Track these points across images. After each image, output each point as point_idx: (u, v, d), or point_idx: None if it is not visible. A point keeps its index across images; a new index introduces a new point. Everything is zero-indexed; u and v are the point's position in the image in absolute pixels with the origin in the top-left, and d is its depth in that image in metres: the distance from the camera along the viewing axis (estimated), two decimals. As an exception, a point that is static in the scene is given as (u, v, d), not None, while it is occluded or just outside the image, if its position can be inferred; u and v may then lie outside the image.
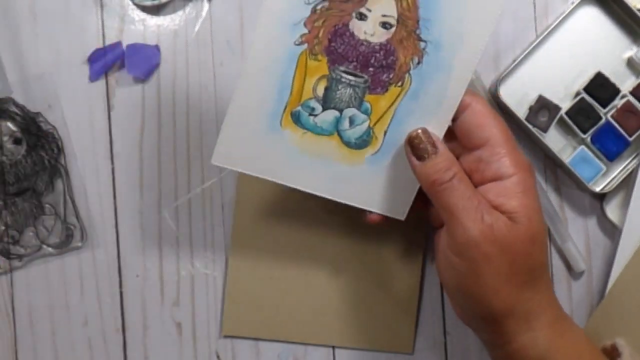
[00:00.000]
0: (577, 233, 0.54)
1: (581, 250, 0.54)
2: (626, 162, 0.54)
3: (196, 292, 0.54)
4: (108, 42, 0.54)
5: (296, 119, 0.47)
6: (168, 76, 0.54)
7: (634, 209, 0.52)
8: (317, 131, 0.47)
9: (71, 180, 0.53)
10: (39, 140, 0.53)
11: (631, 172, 0.53)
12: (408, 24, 0.45)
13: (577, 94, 0.53)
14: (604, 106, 0.53)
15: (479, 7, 0.44)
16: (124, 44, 0.53)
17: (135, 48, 0.53)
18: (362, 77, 0.46)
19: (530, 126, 0.52)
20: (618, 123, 0.53)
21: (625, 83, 0.54)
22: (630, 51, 0.54)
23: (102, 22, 0.54)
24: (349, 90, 0.46)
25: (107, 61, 0.53)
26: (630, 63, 0.54)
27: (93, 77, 0.53)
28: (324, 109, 0.47)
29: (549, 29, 0.53)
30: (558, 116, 0.53)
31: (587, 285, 0.54)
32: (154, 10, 0.54)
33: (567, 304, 0.54)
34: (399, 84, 0.46)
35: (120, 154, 0.54)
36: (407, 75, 0.46)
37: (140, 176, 0.54)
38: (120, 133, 0.54)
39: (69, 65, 0.53)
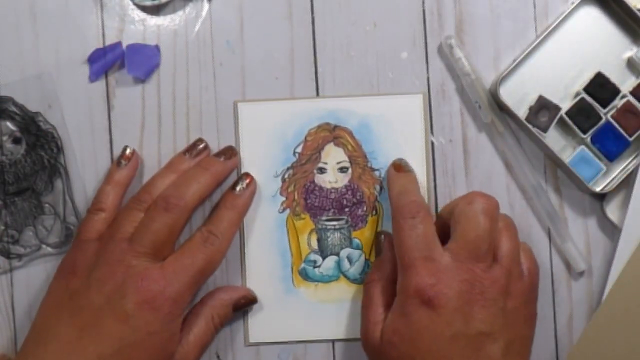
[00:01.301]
0: (577, 233, 0.54)
1: (581, 250, 0.54)
2: (626, 162, 0.54)
3: (196, 292, 0.54)
4: (108, 42, 0.54)
5: (304, 275, 0.53)
6: (168, 76, 0.54)
7: (634, 209, 0.52)
8: (326, 279, 0.53)
9: (71, 180, 0.53)
10: (39, 139, 0.53)
11: (631, 172, 0.53)
12: (359, 162, 0.53)
13: (577, 94, 0.53)
14: (604, 106, 0.53)
15: (405, 129, 0.53)
16: (124, 44, 0.53)
17: (135, 48, 0.53)
18: (342, 218, 0.53)
19: (530, 126, 0.52)
20: (618, 123, 0.52)
21: (625, 83, 0.54)
22: (630, 51, 0.54)
23: (102, 22, 0.54)
24: (337, 234, 0.53)
25: (107, 61, 0.53)
26: (630, 63, 0.54)
27: (93, 77, 0.53)
28: (323, 258, 0.53)
29: (549, 29, 0.53)
30: (558, 116, 0.53)
31: (587, 285, 0.54)
32: (154, 10, 0.54)
33: (567, 304, 0.54)
34: (374, 212, 0.53)
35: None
36: (377, 203, 0.54)
37: (140, 176, 0.53)
38: (120, 133, 0.54)
39: (69, 65, 0.53)
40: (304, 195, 0.53)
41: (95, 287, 0.46)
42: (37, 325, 0.48)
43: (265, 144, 0.53)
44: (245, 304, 0.52)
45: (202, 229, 0.49)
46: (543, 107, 0.53)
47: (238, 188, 0.51)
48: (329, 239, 0.53)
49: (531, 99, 0.53)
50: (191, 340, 0.49)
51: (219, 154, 0.52)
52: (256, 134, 0.53)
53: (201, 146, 0.52)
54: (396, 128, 0.53)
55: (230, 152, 0.52)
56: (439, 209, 0.54)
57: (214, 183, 0.51)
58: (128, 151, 0.51)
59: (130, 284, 0.46)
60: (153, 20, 0.54)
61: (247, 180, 0.51)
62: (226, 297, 0.51)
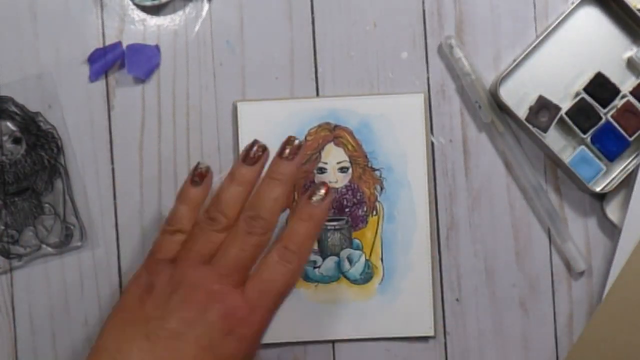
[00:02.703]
0: (577, 233, 0.54)
1: (581, 250, 0.54)
2: (626, 162, 0.54)
3: (196, 292, 0.54)
4: (108, 42, 0.54)
5: (304, 275, 0.53)
6: (168, 76, 0.54)
7: (634, 209, 0.52)
8: (326, 280, 0.53)
9: (71, 180, 0.53)
10: (39, 139, 0.53)
11: (631, 172, 0.53)
12: (360, 162, 0.53)
13: (577, 94, 0.53)
14: (604, 106, 0.53)
15: (406, 129, 0.53)
16: (124, 44, 0.53)
17: (135, 48, 0.53)
18: (342, 219, 0.53)
19: (530, 126, 0.52)
20: (618, 123, 0.52)
21: (625, 83, 0.54)
22: (630, 51, 0.54)
23: (102, 22, 0.54)
24: (337, 235, 0.53)
25: (107, 61, 0.53)
26: (630, 63, 0.54)
27: (93, 77, 0.53)
28: (323, 258, 0.53)
29: (549, 29, 0.53)
30: (558, 116, 0.53)
31: (587, 285, 0.54)
32: (154, 10, 0.54)
33: (567, 304, 0.54)
34: (374, 213, 0.53)
35: (120, 154, 0.54)
36: (377, 203, 0.53)
37: (140, 176, 0.54)
38: (120, 133, 0.54)
39: (69, 65, 0.53)
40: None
41: (175, 312, 0.44)
42: (107, 344, 0.45)
43: (265, 144, 0.53)
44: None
45: (277, 245, 0.46)
46: (543, 107, 0.53)
47: (315, 198, 0.47)
48: (329, 240, 0.53)
49: (531, 99, 0.53)
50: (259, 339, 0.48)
51: (281, 152, 0.48)
52: (256, 134, 0.51)
53: (256, 149, 0.48)
54: (397, 128, 0.53)
55: (294, 148, 0.48)
56: (439, 210, 0.54)
57: (289, 189, 0.48)
58: (202, 168, 0.48)
59: (214, 312, 0.44)
60: (153, 20, 0.54)
61: (324, 190, 0.47)
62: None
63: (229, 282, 0.45)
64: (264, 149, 0.48)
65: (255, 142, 0.48)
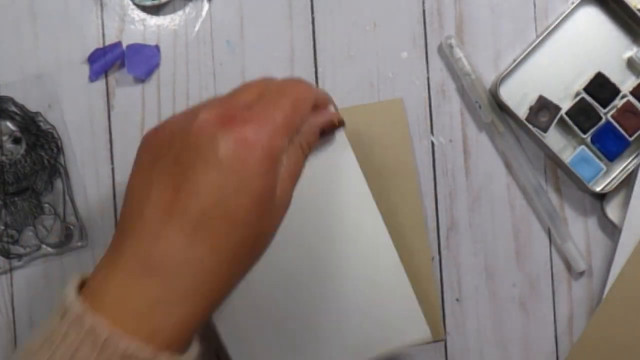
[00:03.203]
0: (577, 233, 0.54)
1: (581, 250, 0.54)
2: (626, 162, 0.54)
3: (196, 292, 0.53)
4: (108, 42, 0.54)
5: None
6: (168, 76, 0.54)
7: (634, 209, 0.52)
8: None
9: (70, 180, 0.53)
10: (39, 139, 0.53)
11: (631, 172, 0.53)
12: None
13: (577, 94, 0.53)
14: (604, 106, 0.53)
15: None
16: (124, 44, 0.53)
17: (135, 48, 0.53)
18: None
19: (530, 126, 0.52)
20: (618, 123, 0.53)
21: (625, 83, 0.54)
22: (630, 51, 0.54)
23: (102, 22, 0.54)
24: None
25: (107, 61, 0.53)
26: (630, 63, 0.54)
27: (93, 77, 0.53)
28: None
29: (549, 29, 0.53)
30: (558, 116, 0.53)
31: (587, 285, 0.54)
32: (154, 10, 0.54)
33: (567, 304, 0.54)
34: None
35: (120, 154, 0.54)
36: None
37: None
38: (120, 133, 0.54)
39: (69, 65, 0.53)
40: None
41: (179, 136, 0.39)
42: (128, 199, 0.40)
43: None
44: (332, 127, 0.46)
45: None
46: (543, 107, 0.53)
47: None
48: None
49: (531, 99, 0.53)
50: (284, 172, 0.41)
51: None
52: None
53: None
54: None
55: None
56: (439, 210, 0.54)
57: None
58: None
59: (213, 124, 0.38)
60: (153, 20, 0.54)
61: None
62: (314, 122, 0.44)
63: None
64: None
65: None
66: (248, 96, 0.42)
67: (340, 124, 0.46)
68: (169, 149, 0.39)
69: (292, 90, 0.42)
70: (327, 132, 0.46)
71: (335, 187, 0.49)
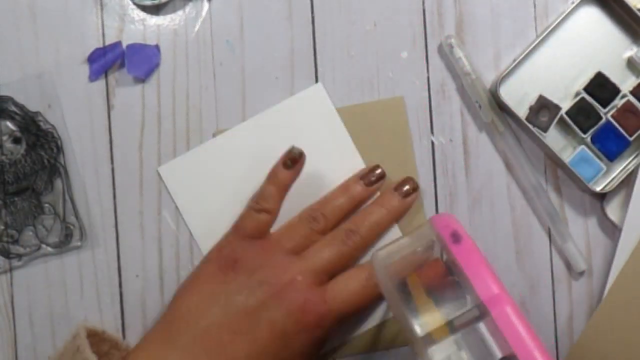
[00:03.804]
0: (577, 233, 0.54)
1: (581, 250, 0.54)
2: (626, 162, 0.54)
3: (196, 292, 0.53)
4: (108, 42, 0.54)
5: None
6: (168, 76, 0.54)
7: (634, 209, 0.52)
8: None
9: (70, 179, 0.53)
10: (39, 139, 0.53)
11: (631, 172, 0.53)
12: None
13: (577, 94, 0.53)
14: (604, 106, 0.53)
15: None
16: (124, 44, 0.53)
17: (135, 48, 0.53)
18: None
19: (530, 126, 0.52)
20: (618, 123, 0.53)
21: (625, 83, 0.54)
22: (630, 51, 0.54)
23: (102, 22, 0.54)
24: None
25: (107, 61, 0.53)
26: (630, 63, 0.54)
27: (93, 77, 0.53)
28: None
29: (549, 29, 0.53)
30: (558, 116, 0.53)
31: (587, 285, 0.54)
32: (154, 10, 0.54)
33: (567, 304, 0.54)
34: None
35: (120, 154, 0.53)
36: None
37: (140, 176, 0.53)
38: (120, 133, 0.54)
39: (69, 65, 0.53)
40: None
41: (257, 290, 0.45)
42: (183, 313, 0.46)
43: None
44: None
45: (367, 266, 0.49)
46: (543, 107, 0.53)
47: (404, 189, 0.51)
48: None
49: (531, 99, 0.53)
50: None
51: (398, 187, 0.51)
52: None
53: (377, 173, 0.51)
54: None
55: (409, 187, 0.51)
56: (439, 210, 0.54)
57: (391, 220, 0.51)
58: (295, 153, 0.49)
59: (294, 301, 0.45)
60: (153, 20, 0.54)
61: (411, 186, 0.51)
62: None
63: (314, 278, 0.47)
64: (383, 176, 0.51)
65: (376, 167, 0.52)
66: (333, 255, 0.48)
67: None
68: (244, 291, 0.45)
69: (364, 285, 0.48)
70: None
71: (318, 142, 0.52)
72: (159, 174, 0.53)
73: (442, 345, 0.35)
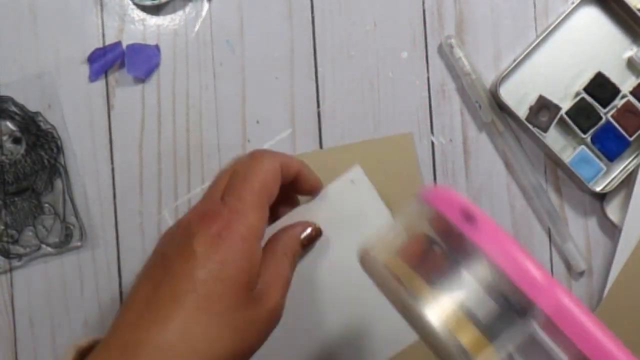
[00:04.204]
0: (577, 233, 0.54)
1: (581, 250, 0.54)
2: (626, 162, 0.54)
3: (196, 292, 0.53)
4: (108, 42, 0.54)
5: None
6: (168, 76, 0.54)
7: (634, 209, 0.52)
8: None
9: (70, 179, 0.53)
10: (39, 139, 0.53)
11: (631, 172, 0.53)
12: None
13: (577, 94, 0.53)
14: (604, 106, 0.53)
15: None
16: (124, 44, 0.53)
17: (135, 48, 0.53)
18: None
19: (530, 126, 0.52)
20: (618, 123, 0.53)
21: (625, 83, 0.54)
22: (630, 51, 0.54)
23: (102, 22, 0.54)
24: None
25: (107, 61, 0.53)
26: (630, 63, 0.54)
27: (93, 77, 0.53)
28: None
29: (549, 29, 0.53)
30: (558, 116, 0.53)
31: (587, 285, 0.54)
32: (154, 10, 0.54)
33: (567, 304, 0.54)
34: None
35: (120, 154, 0.54)
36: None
37: (140, 176, 0.54)
38: (120, 133, 0.54)
39: (69, 65, 0.53)
40: None
41: (168, 238, 0.43)
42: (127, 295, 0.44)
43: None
44: (314, 238, 0.49)
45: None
46: (543, 107, 0.53)
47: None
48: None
49: (531, 99, 0.53)
50: (268, 276, 0.44)
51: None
52: None
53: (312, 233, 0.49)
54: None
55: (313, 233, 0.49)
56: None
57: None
58: (318, 231, 0.49)
59: (194, 223, 0.42)
60: (153, 20, 0.54)
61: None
62: (294, 232, 0.48)
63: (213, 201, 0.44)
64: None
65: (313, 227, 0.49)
66: (221, 186, 0.44)
67: (318, 234, 0.49)
68: (160, 249, 0.43)
69: (257, 169, 0.44)
70: (309, 241, 0.49)
71: (363, 225, 0.50)
72: (159, 174, 0.53)
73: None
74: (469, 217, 0.29)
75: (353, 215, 0.51)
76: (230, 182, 0.44)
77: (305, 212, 0.50)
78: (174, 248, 0.42)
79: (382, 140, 0.54)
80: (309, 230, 0.49)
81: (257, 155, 0.45)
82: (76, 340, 0.43)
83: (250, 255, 0.42)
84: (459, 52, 0.53)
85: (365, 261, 0.35)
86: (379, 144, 0.54)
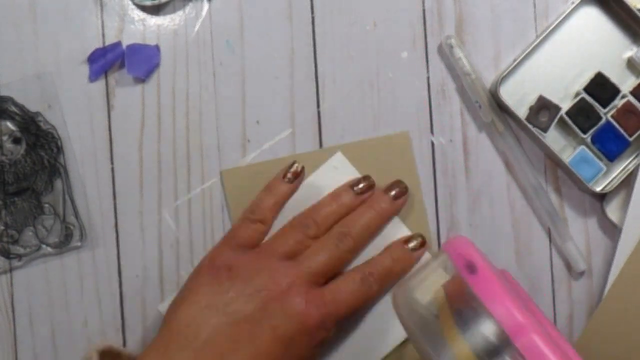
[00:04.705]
0: (577, 233, 0.54)
1: (581, 250, 0.54)
2: (626, 162, 0.54)
3: (196, 292, 0.53)
4: (108, 42, 0.54)
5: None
6: (168, 76, 0.54)
7: (634, 209, 0.52)
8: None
9: (70, 179, 0.53)
10: (39, 139, 0.53)
11: (631, 172, 0.53)
12: None
13: (577, 94, 0.53)
14: (604, 106, 0.53)
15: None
16: (124, 44, 0.53)
17: (135, 48, 0.53)
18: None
19: (530, 126, 0.52)
20: (618, 123, 0.52)
21: (625, 83, 0.54)
22: (630, 51, 0.54)
23: (102, 22, 0.54)
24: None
25: (107, 61, 0.53)
26: (630, 63, 0.54)
27: (93, 77, 0.53)
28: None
29: (549, 29, 0.53)
30: (558, 116, 0.53)
31: (587, 285, 0.54)
32: (154, 10, 0.54)
33: (567, 304, 0.54)
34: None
35: (120, 154, 0.54)
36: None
37: (140, 176, 0.54)
38: (120, 133, 0.54)
39: (69, 65, 0.53)
40: None
41: (255, 297, 0.45)
42: (180, 326, 0.45)
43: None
44: None
45: (362, 268, 0.49)
46: (543, 107, 0.53)
47: (411, 245, 0.51)
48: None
49: (531, 99, 0.53)
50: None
51: (387, 189, 0.52)
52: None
53: (368, 182, 0.51)
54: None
55: (399, 190, 0.52)
56: (439, 210, 0.54)
57: (381, 222, 0.51)
58: (297, 167, 0.51)
59: (295, 304, 0.45)
60: (153, 20, 0.54)
61: (421, 242, 0.51)
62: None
63: (311, 281, 0.47)
64: (372, 185, 0.52)
65: (366, 177, 0.52)
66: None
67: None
68: (242, 298, 0.45)
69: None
70: None
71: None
72: (159, 174, 0.54)
73: None
74: (472, 268, 0.35)
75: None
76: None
77: (292, 203, 0.52)
78: (266, 319, 0.45)
79: (378, 140, 0.54)
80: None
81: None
82: (94, 345, 0.44)
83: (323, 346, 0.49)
84: (458, 52, 0.53)
85: (404, 301, 0.40)
86: (375, 143, 0.54)
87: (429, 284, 0.40)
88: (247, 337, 0.44)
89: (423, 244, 0.51)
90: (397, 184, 0.52)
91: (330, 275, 0.49)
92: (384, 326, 0.52)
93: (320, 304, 0.46)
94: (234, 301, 0.45)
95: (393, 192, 0.51)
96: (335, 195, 0.51)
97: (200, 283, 0.47)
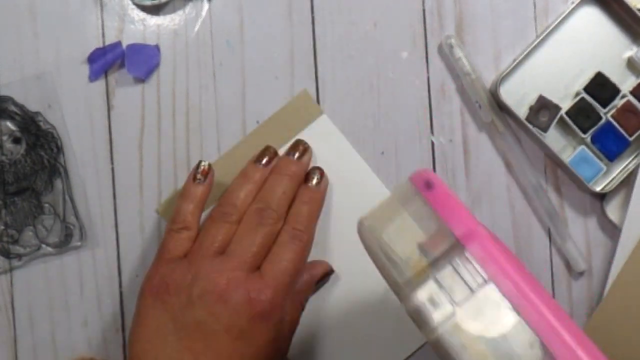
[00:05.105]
0: (577, 233, 0.54)
1: (581, 250, 0.54)
2: (626, 162, 0.54)
3: (196, 292, 0.53)
4: (108, 42, 0.54)
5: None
6: (168, 76, 0.54)
7: (634, 209, 0.52)
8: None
9: (70, 179, 0.53)
10: (38, 139, 0.53)
11: (631, 172, 0.53)
12: None
13: (577, 94, 0.53)
14: (604, 106, 0.53)
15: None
16: (124, 44, 0.53)
17: (135, 48, 0.53)
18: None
19: (530, 126, 0.52)
20: (618, 123, 0.52)
21: (625, 83, 0.54)
22: (630, 51, 0.54)
23: (102, 22, 0.54)
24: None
25: (107, 61, 0.53)
26: (630, 63, 0.54)
27: (93, 77, 0.53)
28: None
29: (549, 29, 0.53)
30: (558, 116, 0.53)
31: (587, 285, 0.54)
32: (154, 10, 0.54)
33: (567, 304, 0.54)
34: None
35: (120, 154, 0.54)
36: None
37: (140, 176, 0.54)
38: (120, 133, 0.54)
39: (69, 65, 0.53)
40: None
41: (199, 304, 0.45)
42: (140, 354, 0.46)
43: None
44: (325, 278, 0.52)
45: (285, 227, 0.49)
46: (543, 107, 0.53)
47: (314, 182, 0.51)
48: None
49: (531, 99, 0.53)
50: (286, 327, 0.49)
51: (289, 152, 0.52)
52: None
53: (270, 152, 0.52)
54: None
55: (302, 149, 0.52)
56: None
57: (295, 185, 0.51)
58: (204, 166, 0.50)
59: (237, 297, 0.45)
60: (153, 20, 0.54)
61: (320, 174, 0.51)
62: (309, 278, 0.51)
63: (246, 268, 0.47)
64: (275, 153, 0.52)
65: (267, 147, 0.52)
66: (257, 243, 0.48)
67: (331, 272, 0.53)
68: (188, 309, 0.45)
69: (299, 248, 0.49)
70: (321, 281, 0.52)
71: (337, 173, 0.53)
72: (159, 174, 0.54)
73: (424, 288, 0.34)
74: (429, 184, 0.36)
75: (324, 165, 0.53)
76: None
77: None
78: (216, 321, 0.45)
79: (283, 110, 0.54)
80: (321, 273, 0.52)
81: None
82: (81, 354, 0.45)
83: (285, 328, 0.48)
84: (459, 52, 0.53)
85: (361, 230, 0.39)
86: (282, 114, 0.54)
87: (389, 210, 0.39)
88: (204, 347, 0.44)
89: (322, 174, 0.51)
90: (298, 145, 0.52)
91: (266, 251, 0.48)
92: (397, 334, 0.52)
93: (262, 287, 0.46)
94: (181, 315, 0.45)
95: (297, 154, 0.51)
96: (244, 174, 0.51)
97: (145, 307, 0.47)
